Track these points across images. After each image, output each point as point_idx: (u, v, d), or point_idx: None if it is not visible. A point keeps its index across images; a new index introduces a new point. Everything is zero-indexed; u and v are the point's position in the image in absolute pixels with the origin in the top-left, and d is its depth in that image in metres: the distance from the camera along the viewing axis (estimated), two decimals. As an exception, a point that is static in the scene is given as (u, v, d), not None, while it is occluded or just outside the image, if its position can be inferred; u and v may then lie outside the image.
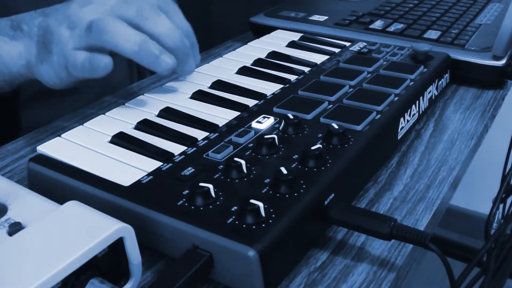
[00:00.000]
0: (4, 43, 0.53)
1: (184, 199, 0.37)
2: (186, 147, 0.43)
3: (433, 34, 0.69)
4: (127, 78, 0.80)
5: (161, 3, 0.52)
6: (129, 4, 0.50)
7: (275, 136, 0.43)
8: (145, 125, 0.47)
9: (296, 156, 0.41)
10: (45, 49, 0.51)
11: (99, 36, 0.48)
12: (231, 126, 0.47)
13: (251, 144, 0.43)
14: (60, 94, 0.70)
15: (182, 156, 0.42)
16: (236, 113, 0.49)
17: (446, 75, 0.62)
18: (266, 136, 0.42)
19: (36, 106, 0.70)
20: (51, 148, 0.44)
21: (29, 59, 0.53)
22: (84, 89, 0.73)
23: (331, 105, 0.49)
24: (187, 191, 0.37)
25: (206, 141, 0.44)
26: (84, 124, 0.47)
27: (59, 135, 0.45)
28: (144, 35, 0.49)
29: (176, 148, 0.43)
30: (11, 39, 0.53)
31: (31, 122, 0.63)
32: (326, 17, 0.75)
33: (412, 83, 0.54)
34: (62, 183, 0.40)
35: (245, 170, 0.39)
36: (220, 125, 0.47)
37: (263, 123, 0.46)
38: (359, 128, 0.45)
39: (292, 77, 0.57)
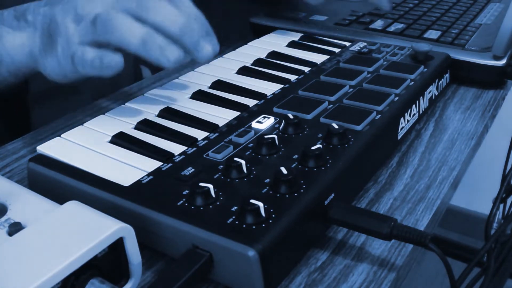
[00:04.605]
0: (7, 33, 0.52)
1: (184, 199, 0.37)
2: (186, 147, 0.43)
3: (433, 34, 0.69)
4: (127, 78, 0.80)
5: None
6: None
7: (275, 136, 0.43)
8: (145, 125, 0.47)
9: (296, 156, 0.41)
10: (49, 40, 0.50)
11: (104, 31, 0.47)
12: (231, 126, 0.47)
13: (251, 144, 0.43)
14: (59, 94, 0.70)
15: (182, 156, 0.42)
16: (236, 113, 0.49)
17: (446, 75, 0.62)
18: (266, 136, 0.42)
19: (36, 106, 0.70)
20: (51, 148, 0.44)
21: (32, 49, 0.52)
22: (84, 89, 0.73)
23: (331, 105, 0.49)
24: (187, 191, 0.37)
25: (206, 141, 0.44)
26: (84, 124, 0.47)
27: (59, 135, 0.45)
28: (148, 28, 0.47)
29: (176, 148, 0.43)
30: (14, 29, 0.52)
31: (30, 123, 0.63)
32: (326, 17, 0.75)
33: (412, 83, 0.54)
34: (62, 183, 0.40)
35: (245, 170, 0.39)
36: (220, 125, 0.47)
37: (263, 123, 0.46)
38: (359, 128, 0.45)
39: (292, 77, 0.57)
